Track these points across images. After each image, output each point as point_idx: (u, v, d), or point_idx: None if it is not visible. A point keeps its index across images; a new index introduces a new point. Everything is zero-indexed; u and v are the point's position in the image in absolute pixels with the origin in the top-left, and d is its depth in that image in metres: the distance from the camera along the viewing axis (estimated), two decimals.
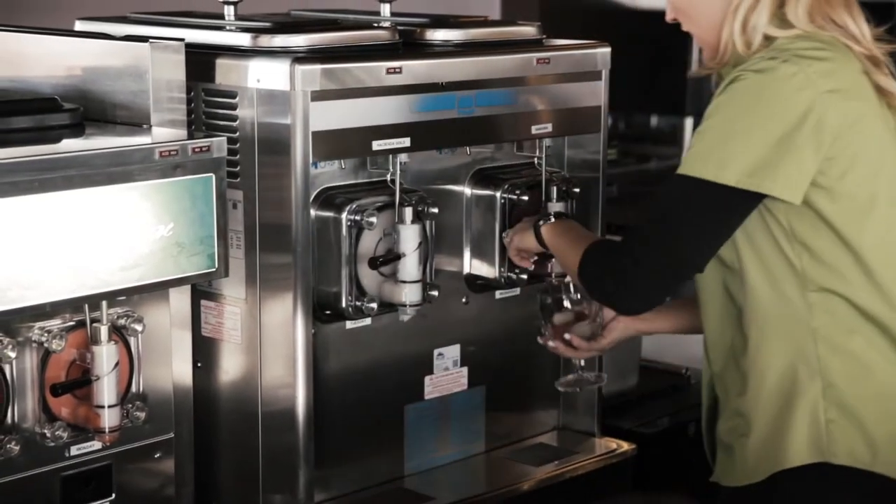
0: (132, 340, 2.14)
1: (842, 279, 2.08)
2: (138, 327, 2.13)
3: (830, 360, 2.09)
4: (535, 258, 2.50)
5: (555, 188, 2.57)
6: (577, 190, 2.62)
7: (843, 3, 2.14)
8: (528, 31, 2.62)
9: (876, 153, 2.10)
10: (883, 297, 2.10)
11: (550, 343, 2.45)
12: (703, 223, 2.08)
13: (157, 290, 2.13)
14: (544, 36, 2.64)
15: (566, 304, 2.44)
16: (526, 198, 2.55)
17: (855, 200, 2.07)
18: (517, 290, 2.65)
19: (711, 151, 2.05)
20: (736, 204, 2.06)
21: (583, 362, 2.52)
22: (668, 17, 2.27)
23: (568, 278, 2.43)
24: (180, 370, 2.25)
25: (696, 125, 4.48)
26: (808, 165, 2.03)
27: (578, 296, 2.43)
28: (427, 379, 2.55)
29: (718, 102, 2.08)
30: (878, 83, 2.13)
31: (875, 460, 2.10)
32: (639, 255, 2.09)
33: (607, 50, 2.64)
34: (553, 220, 2.39)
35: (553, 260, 2.49)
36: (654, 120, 4.85)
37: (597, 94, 2.63)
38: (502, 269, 2.57)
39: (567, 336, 2.42)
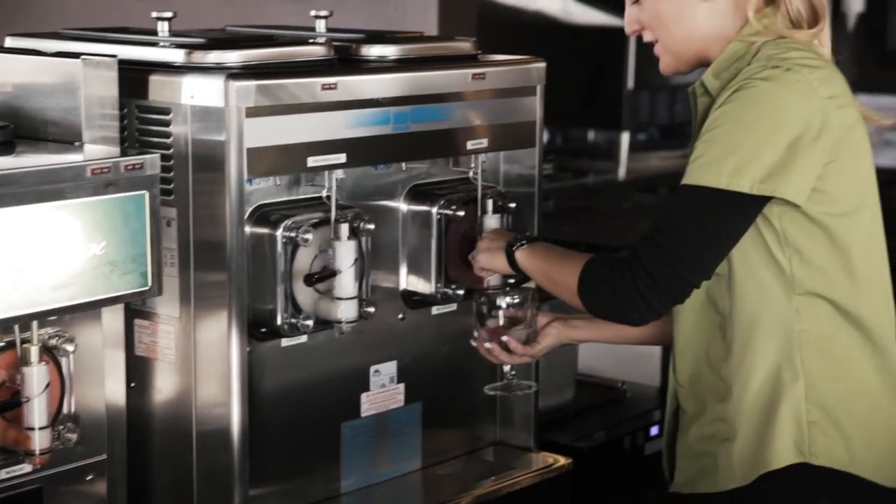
0: (63, 361, 2.11)
1: (829, 282, 2.15)
2: (70, 347, 2.11)
3: (813, 361, 2.15)
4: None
5: (490, 203, 2.58)
6: (512, 205, 2.63)
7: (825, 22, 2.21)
8: (464, 46, 2.63)
9: (864, 159, 2.18)
10: (865, 300, 2.17)
11: (486, 345, 2.45)
12: (715, 231, 2.11)
13: (90, 309, 2.11)
14: (480, 51, 2.65)
15: (501, 307, 2.44)
16: (462, 213, 2.56)
17: (846, 203, 2.14)
18: (454, 306, 2.65)
19: (724, 160, 2.08)
20: (747, 210, 2.10)
21: (513, 371, 2.53)
22: (630, 30, 2.29)
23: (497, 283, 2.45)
24: (113, 390, 2.22)
25: (632, 140, 4.55)
26: (813, 168, 2.10)
27: (516, 300, 2.43)
28: (363, 396, 2.55)
29: (724, 111, 2.11)
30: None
31: (852, 462, 2.16)
32: (650, 265, 2.11)
33: (542, 65, 2.65)
34: (525, 243, 2.39)
35: (479, 275, 2.50)
36: (591, 134, 4.88)
37: (532, 109, 2.64)
38: (438, 285, 2.57)
39: (504, 338, 2.43)
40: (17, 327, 2.04)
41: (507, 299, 2.44)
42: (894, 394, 2.21)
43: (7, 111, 2.21)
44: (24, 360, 2.03)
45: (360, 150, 2.37)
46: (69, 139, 2.16)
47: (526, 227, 2.68)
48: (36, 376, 2.03)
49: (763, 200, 2.10)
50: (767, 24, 2.20)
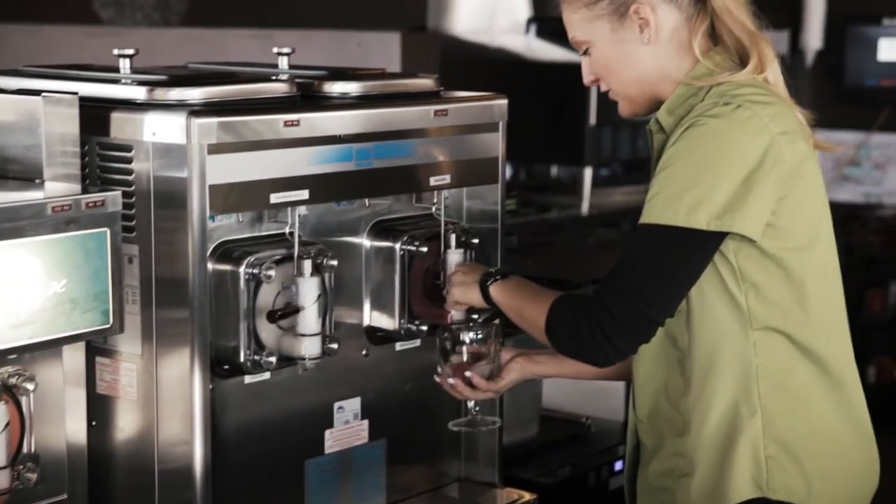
0: (23, 399, 2.10)
1: (785, 316, 2.17)
2: (30, 386, 2.09)
3: (771, 396, 2.16)
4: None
5: (454, 238, 2.58)
6: (476, 240, 2.63)
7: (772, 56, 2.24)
8: (426, 83, 2.64)
9: (817, 192, 2.20)
10: (821, 334, 2.19)
11: (449, 381, 2.45)
12: (676, 269, 2.13)
13: (50, 347, 2.10)
14: (442, 88, 2.66)
15: (465, 343, 2.44)
16: (425, 249, 2.56)
17: (800, 238, 2.16)
18: (417, 342, 2.65)
19: (679, 197, 2.10)
20: (706, 246, 2.12)
21: (477, 406, 2.52)
22: (587, 80, 2.33)
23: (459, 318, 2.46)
24: (74, 429, 2.21)
25: (595, 175, 4.56)
26: (767, 203, 2.12)
27: (479, 335, 2.44)
28: (327, 433, 2.54)
29: (677, 149, 2.14)
30: (801, 123, 2.22)
31: (810, 496, 2.17)
32: (613, 306, 2.12)
33: (504, 102, 2.66)
34: (500, 277, 2.39)
35: (452, 308, 2.50)
36: (554, 170, 4.90)
37: (494, 145, 2.66)
38: (402, 321, 2.57)
39: (468, 374, 2.43)
40: None
41: (471, 335, 2.44)
42: (852, 428, 2.22)
43: None
44: None
45: (322, 187, 2.37)
46: (30, 177, 2.15)
47: (490, 262, 2.68)
48: None
49: (720, 236, 2.12)
50: (718, 61, 2.23)
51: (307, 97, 2.46)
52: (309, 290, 2.33)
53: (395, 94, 2.56)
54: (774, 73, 2.24)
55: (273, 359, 2.33)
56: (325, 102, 2.46)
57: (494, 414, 2.65)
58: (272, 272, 2.30)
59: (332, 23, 5.12)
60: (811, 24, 6.06)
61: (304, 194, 2.34)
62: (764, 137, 2.12)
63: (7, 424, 2.02)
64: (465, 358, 2.44)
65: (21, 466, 2.10)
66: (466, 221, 2.70)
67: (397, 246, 2.55)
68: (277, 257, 2.33)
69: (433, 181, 2.55)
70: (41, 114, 2.14)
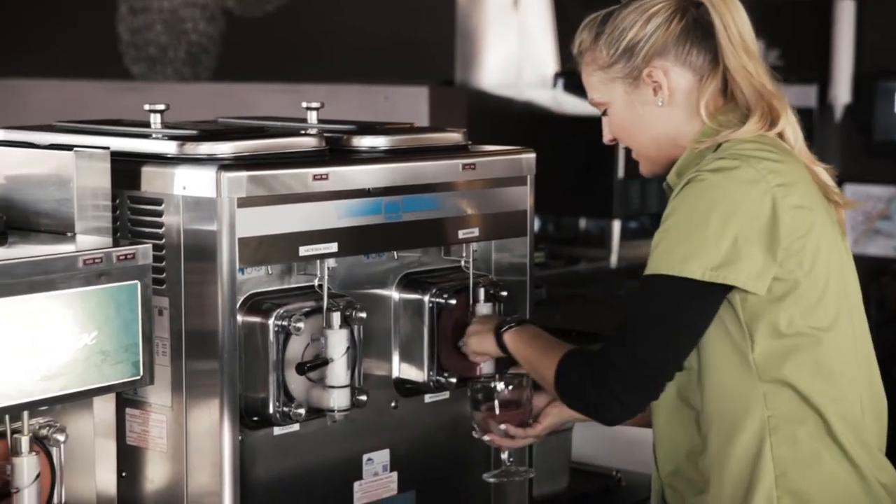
0: (54, 451, 2.11)
1: (792, 368, 2.14)
2: (61, 437, 2.10)
3: (782, 449, 2.15)
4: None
5: (482, 291, 2.59)
6: (504, 293, 2.63)
7: (783, 108, 2.23)
8: (454, 137, 2.65)
9: (825, 243, 2.17)
10: (828, 385, 2.16)
11: (486, 438, 2.45)
12: (677, 320, 2.12)
13: (81, 399, 2.11)
14: (470, 142, 2.68)
15: (497, 393, 2.44)
16: (454, 301, 2.56)
17: (810, 290, 2.14)
18: (446, 394, 2.65)
19: (675, 248, 2.10)
20: (704, 297, 2.11)
21: (511, 457, 2.52)
22: (607, 139, 2.35)
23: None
24: (104, 480, 2.21)
25: (623, 228, 4.57)
26: (767, 258, 2.10)
27: (510, 385, 2.44)
28: (356, 484, 2.53)
29: (676, 204, 2.14)
30: (818, 176, 2.21)
31: None
32: (618, 362, 2.11)
33: (532, 155, 2.68)
34: (514, 325, 2.40)
35: (473, 359, 2.50)
36: (582, 223, 4.91)
37: (522, 198, 2.66)
38: (431, 373, 2.57)
39: (503, 427, 2.42)
40: (7, 417, 2.04)
41: (501, 385, 2.44)
42: (861, 481, 2.19)
43: None
44: (14, 451, 2.03)
45: (351, 240, 2.38)
46: (62, 230, 2.18)
47: (518, 313, 2.69)
48: (26, 466, 2.02)
49: (720, 289, 2.10)
50: (722, 121, 2.23)
51: (336, 151, 2.48)
52: (338, 342, 2.34)
53: (423, 147, 2.58)
54: (791, 128, 2.23)
55: (302, 410, 2.34)
56: (354, 156, 2.48)
57: (523, 462, 2.64)
58: (301, 324, 2.31)
59: (360, 77, 5.16)
60: (840, 78, 6.06)
61: (333, 247, 2.35)
62: (759, 189, 2.10)
63: (38, 476, 2.03)
64: (497, 410, 2.44)
65: None
66: (495, 274, 2.71)
67: (426, 298, 2.56)
68: (307, 309, 2.34)
69: (462, 234, 2.56)
70: (73, 168, 2.16)
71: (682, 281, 2.09)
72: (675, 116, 2.25)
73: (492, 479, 2.56)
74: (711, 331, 2.15)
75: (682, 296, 2.10)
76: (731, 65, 2.21)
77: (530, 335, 2.38)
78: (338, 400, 2.35)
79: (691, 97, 2.24)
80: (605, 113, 2.32)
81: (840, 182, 2.26)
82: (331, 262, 2.38)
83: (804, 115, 2.36)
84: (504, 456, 2.52)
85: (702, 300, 2.11)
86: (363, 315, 2.40)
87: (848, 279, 2.23)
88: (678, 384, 2.18)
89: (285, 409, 2.33)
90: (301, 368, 2.33)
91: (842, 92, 6.06)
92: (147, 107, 2.43)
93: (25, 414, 2.03)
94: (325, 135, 2.46)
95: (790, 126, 2.23)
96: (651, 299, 2.13)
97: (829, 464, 2.17)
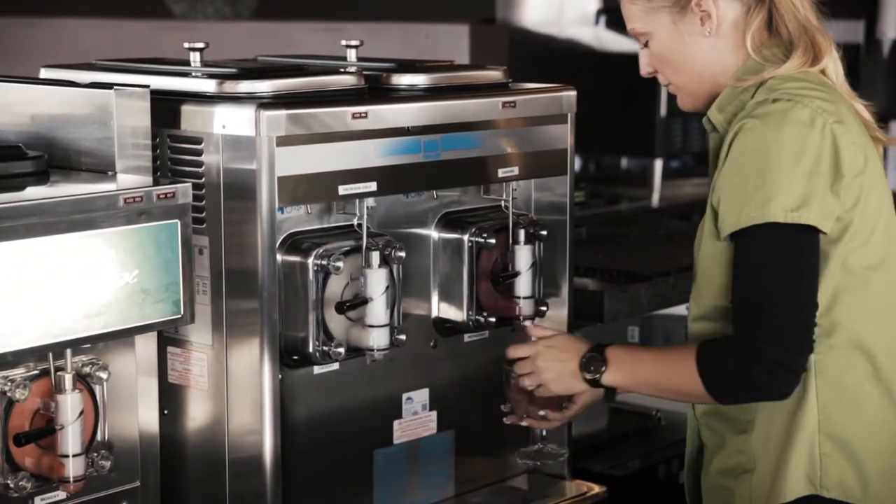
0: (97, 388, 2.13)
1: (842, 308, 2.12)
2: (103, 375, 2.12)
3: (827, 393, 2.14)
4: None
5: (522, 231, 2.58)
6: (544, 233, 2.62)
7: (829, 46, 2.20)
8: (494, 75, 2.64)
9: (877, 181, 2.16)
10: (875, 325, 2.14)
11: (523, 423, 2.45)
12: (788, 269, 2.07)
13: (123, 337, 2.12)
14: (511, 80, 2.66)
15: None
16: (493, 241, 2.56)
17: (860, 228, 2.13)
18: (486, 334, 2.65)
19: (754, 194, 2.06)
20: (795, 241, 2.07)
21: (545, 432, 2.52)
22: (645, 72, 2.31)
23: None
24: (146, 418, 2.23)
25: (665, 166, 4.53)
26: (832, 198, 2.08)
27: None
28: (396, 423, 2.55)
29: (737, 153, 2.10)
30: (860, 114, 2.19)
31: (866, 495, 2.14)
32: (768, 338, 2.06)
33: (573, 93, 2.65)
34: (602, 365, 2.25)
35: (520, 300, 2.49)
36: (623, 162, 4.87)
37: (563, 137, 2.65)
38: (470, 313, 2.57)
39: (542, 413, 2.42)
40: (50, 355, 2.05)
41: None
42: None
43: (41, 142, 2.24)
44: (58, 388, 2.05)
45: (391, 179, 2.38)
46: (102, 169, 2.18)
47: (558, 254, 2.68)
48: (70, 404, 2.04)
49: (803, 231, 2.08)
50: (767, 55, 2.20)
51: (375, 89, 2.47)
52: (377, 281, 2.34)
53: (463, 86, 2.56)
54: (834, 64, 2.20)
55: (342, 349, 2.34)
56: (394, 94, 2.47)
57: (563, 442, 2.63)
58: (341, 263, 2.31)
59: (400, 15, 5.13)
60: (888, 13, 5.97)
61: (372, 186, 2.35)
62: (818, 127, 2.09)
63: (81, 413, 2.05)
64: (531, 392, 2.41)
65: (95, 454, 2.12)
66: (535, 213, 2.70)
67: (465, 238, 2.56)
68: (346, 249, 2.34)
69: (501, 173, 2.55)
70: (113, 107, 2.16)
71: (774, 227, 2.05)
72: (721, 48, 2.22)
73: (524, 461, 2.57)
74: None
75: (781, 241, 2.05)
76: None
77: (633, 363, 2.25)
78: (377, 339, 2.35)
79: (737, 29, 2.21)
80: (645, 45, 2.29)
81: (885, 118, 2.24)
82: (370, 202, 2.37)
83: (851, 50, 2.33)
84: (539, 431, 2.52)
85: (795, 243, 2.06)
86: (402, 254, 2.40)
87: (891, 217, 2.21)
88: (722, 326, 2.17)
89: (325, 348, 2.34)
90: (340, 308, 2.34)
91: (889, 27, 5.97)
92: (187, 45, 2.43)
93: (68, 352, 2.04)
94: (365, 73, 2.45)
95: (833, 62, 2.21)
96: (766, 253, 2.06)
97: (873, 408, 2.15)
